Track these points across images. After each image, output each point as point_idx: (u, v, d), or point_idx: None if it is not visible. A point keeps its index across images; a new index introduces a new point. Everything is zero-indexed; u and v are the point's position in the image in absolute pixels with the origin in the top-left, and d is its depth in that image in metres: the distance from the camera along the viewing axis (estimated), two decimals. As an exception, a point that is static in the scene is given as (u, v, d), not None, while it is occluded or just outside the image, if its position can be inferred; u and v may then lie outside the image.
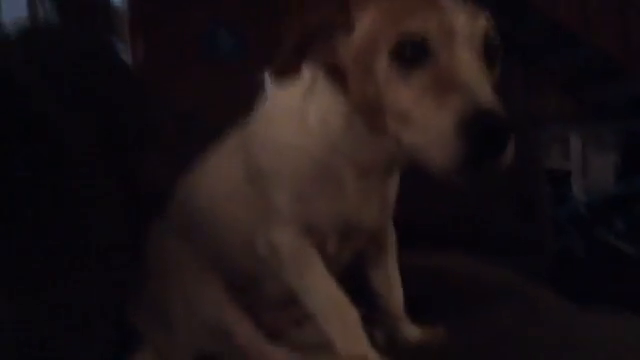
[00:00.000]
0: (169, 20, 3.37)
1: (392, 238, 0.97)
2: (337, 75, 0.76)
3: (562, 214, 3.13)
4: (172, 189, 1.04)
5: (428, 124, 0.62)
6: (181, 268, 0.92)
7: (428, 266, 1.18)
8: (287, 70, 0.75)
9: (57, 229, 0.76)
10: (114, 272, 0.87)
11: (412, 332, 0.93)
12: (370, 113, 0.71)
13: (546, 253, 1.58)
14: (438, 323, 0.93)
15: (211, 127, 1.26)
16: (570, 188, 3.28)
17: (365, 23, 0.71)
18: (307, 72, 0.79)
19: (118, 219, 0.90)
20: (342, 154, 0.80)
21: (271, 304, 0.94)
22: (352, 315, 0.81)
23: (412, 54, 0.65)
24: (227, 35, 3.34)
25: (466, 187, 0.65)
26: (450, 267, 1.23)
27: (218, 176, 0.95)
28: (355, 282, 0.89)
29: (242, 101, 0.94)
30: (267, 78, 0.82)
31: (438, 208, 1.45)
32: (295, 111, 0.82)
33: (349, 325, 0.80)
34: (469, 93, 0.61)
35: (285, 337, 0.95)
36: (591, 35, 3.04)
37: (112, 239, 0.86)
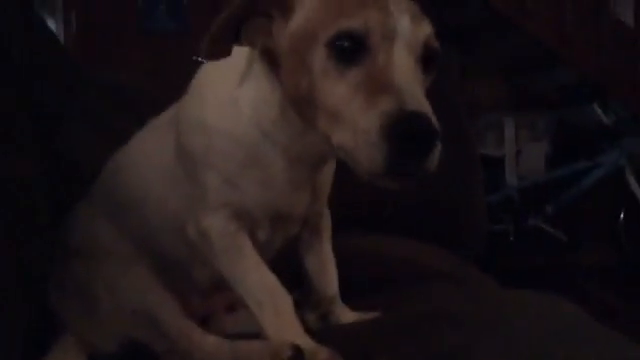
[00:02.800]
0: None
1: (327, 222, 0.96)
2: (273, 61, 0.73)
3: (494, 199, 3.23)
4: (101, 167, 0.99)
5: (356, 125, 0.62)
6: (107, 250, 0.89)
7: (363, 249, 1.19)
8: (217, 49, 0.72)
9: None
10: (35, 249, 0.82)
11: (346, 314, 0.93)
12: (302, 106, 0.70)
13: (479, 237, 1.61)
14: (373, 305, 0.93)
15: (146, 101, 1.22)
16: (503, 174, 3.37)
17: (306, 9, 0.69)
18: (243, 55, 0.76)
19: (41, 198, 0.86)
20: (272, 142, 0.78)
21: (201, 290, 0.92)
22: (284, 301, 0.79)
23: (350, 49, 0.64)
24: (164, 8, 3.25)
25: (394, 190, 0.65)
26: (386, 250, 1.24)
27: (149, 155, 0.92)
28: (289, 265, 0.88)
29: (179, 76, 0.91)
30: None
31: (375, 193, 1.46)
32: (228, 94, 0.79)
33: (281, 311, 0.79)
34: (398, 96, 0.60)
35: (216, 323, 0.93)
36: (527, 24, 3.12)
37: (33, 215, 0.82)
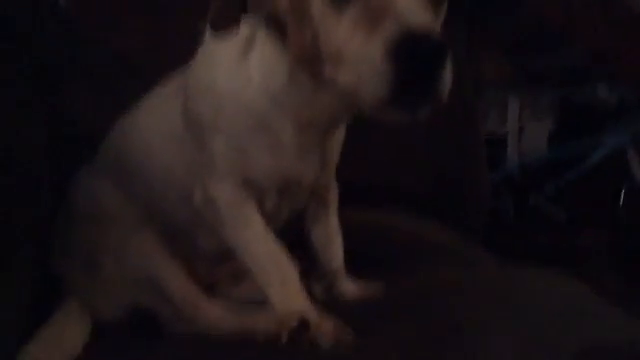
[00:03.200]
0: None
1: (334, 194, 0.96)
2: (277, 25, 0.73)
3: (496, 177, 3.22)
4: (106, 131, 0.99)
5: (359, 57, 0.60)
6: (112, 216, 0.89)
7: (367, 223, 1.18)
8: (225, 22, 0.71)
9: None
10: (34, 209, 0.82)
11: (350, 286, 0.93)
12: (309, 62, 0.69)
13: (481, 212, 1.61)
14: (376, 278, 0.93)
15: (148, 66, 1.21)
16: (505, 152, 3.37)
17: None
18: (246, 25, 0.75)
19: (42, 156, 0.85)
20: (281, 108, 0.77)
21: (207, 258, 0.92)
22: (290, 271, 0.80)
23: None
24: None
25: (405, 123, 0.62)
26: (390, 224, 1.24)
27: (156, 119, 0.91)
28: (295, 236, 0.88)
29: (181, 46, 0.90)
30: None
31: (380, 168, 1.45)
32: (236, 60, 0.79)
33: (287, 281, 0.79)
34: (401, 19, 0.58)
35: (221, 292, 0.93)
36: (533, 2, 3.08)
37: (34, 175, 0.81)
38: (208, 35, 0.83)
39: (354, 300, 0.90)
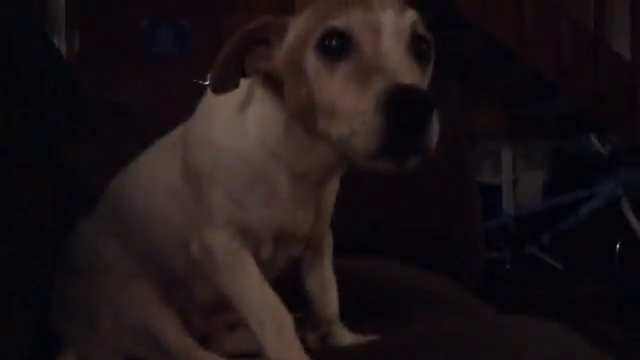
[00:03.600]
0: (108, 13, 3.29)
1: (329, 243, 0.97)
2: (274, 83, 0.76)
3: (491, 227, 3.23)
4: (106, 183, 1.00)
5: (351, 111, 0.63)
6: (109, 266, 0.89)
7: (363, 273, 1.19)
8: (225, 86, 0.75)
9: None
10: (38, 260, 0.82)
11: (345, 337, 0.93)
12: (304, 117, 0.71)
13: (476, 264, 1.62)
14: (374, 328, 0.93)
15: (148, 121, 1.23)
16: (500, 202, 3.38)
17: (297, 25, 0.72)
18: (244, 81, 0.79)
19: (45, 207, 0.86)
20: (278, 160, 0.79)
21: (203, 308, 0.91)
22: (286, 320, 0.79)
23: (337, 47, 0.66)
24: (167, 32, 3.28)
25: (396, 174, 0.64)
26: (386, 274, 1.24)
27: (155, 171, 0.92)
28: (290, 285, 0.88)
29: (178, 99, 0.92)
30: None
31: (374, 219, 1.46)
32: (235, 115, 0.81)
33: (282, 330, 0.79)
34: (390, 75, 0.61)
35: (216, 342, 0.93)
36: (525, 55, 3.16)
37: (38, 227, 0.82)
38: (208, 90, 0.86)
39: (349, 350, 0.90)
